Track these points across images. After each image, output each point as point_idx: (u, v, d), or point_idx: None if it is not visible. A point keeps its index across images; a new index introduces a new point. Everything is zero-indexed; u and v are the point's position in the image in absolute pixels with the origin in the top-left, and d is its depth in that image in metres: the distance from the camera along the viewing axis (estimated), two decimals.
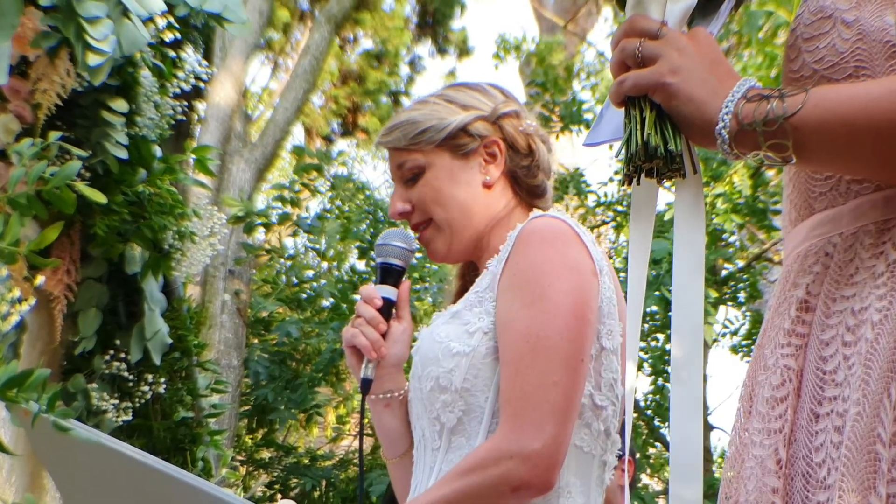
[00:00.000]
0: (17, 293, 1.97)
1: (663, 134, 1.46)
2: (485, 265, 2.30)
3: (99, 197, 2.27)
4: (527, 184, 2.40)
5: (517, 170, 2.38)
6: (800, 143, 1.35)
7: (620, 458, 4.24)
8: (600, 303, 2.21)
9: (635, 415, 12.69)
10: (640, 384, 13.72)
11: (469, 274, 2.47)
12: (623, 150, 1.49)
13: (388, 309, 2.40)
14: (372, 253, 10.60)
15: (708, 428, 13.42)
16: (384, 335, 2.38)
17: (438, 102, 2.40)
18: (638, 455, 8.22)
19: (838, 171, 1.42)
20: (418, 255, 2.63)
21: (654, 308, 10.03)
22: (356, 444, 13.02)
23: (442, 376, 2.21)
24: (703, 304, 1.50)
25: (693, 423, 1.47)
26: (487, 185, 2.36)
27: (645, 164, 1.47)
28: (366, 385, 2.37)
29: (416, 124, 2.37)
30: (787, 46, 1.49)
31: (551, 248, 2.20)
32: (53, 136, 2.30)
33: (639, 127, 1.47)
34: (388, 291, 2.41)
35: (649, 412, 12.24)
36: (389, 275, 2.42)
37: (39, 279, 2.31)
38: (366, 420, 2.43)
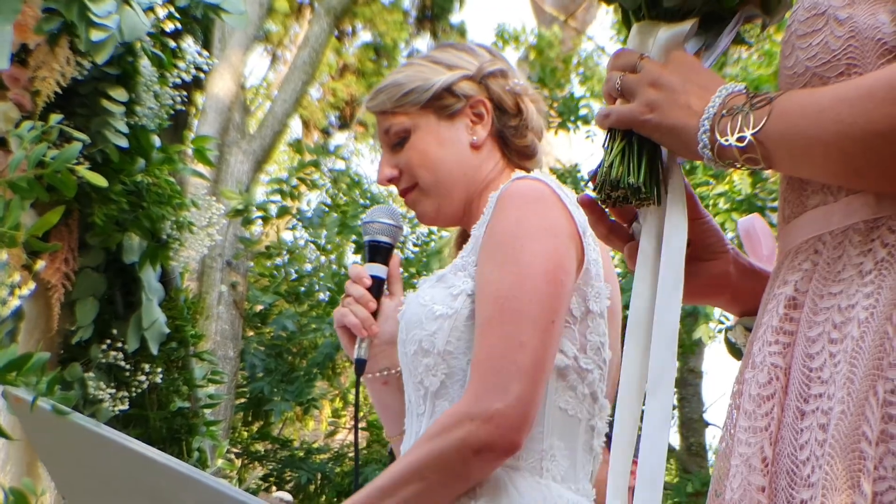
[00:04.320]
0: (16, 278, 1.97)
1: (629, 165, 1.52)
2: (471, 229, 2.27)
3: (100, 180, 2.27)
4: (515, 144, 2.37)
5: (505, 130, 2.36)
6: (766, 156, 1.40)
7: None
8: (587, 265, 2.19)
9: None
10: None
11: (463, 241, 2.42)
12: (596, 178, 1.56)
13: (378, 287, 2.39)
14: None
15: (703, 424, 13.45)
16: (375, 313, 2.37)
17: (423, 63, 2.37)
18: None
19: (808, 178, 1.44)
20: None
21: None
22: (352, 437, 13.02)
23: (425, 339, 2.18)
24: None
25: (662, 434, 1.51)
26: (475, 146, 2.33)
27: (613, 192, 1.54)
28: (360, 365, 2.36)
29: (399, 86, 2.34)
30: (782, 43, 1.51)
31: (528, 210, 2.17)
32: (54, 118, 2.30)
33: (607, 157, 1.54)
34: (378, 269, 2.39)
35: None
36: (378, 252, 2.41)
37: (40, 264, 2.30)
38: (362, 401, 2.42)
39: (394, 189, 2.44)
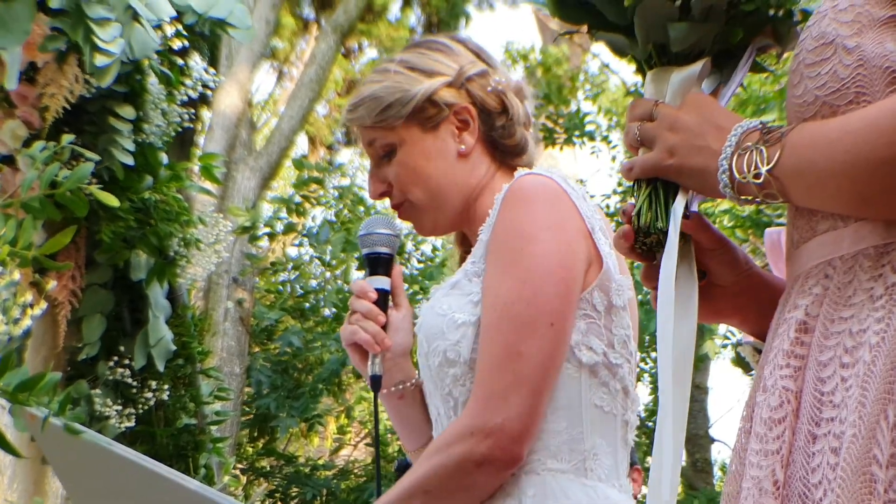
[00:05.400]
0: (28, 297, 1.98)
1: (656, 211, 1.55)
2: (477, 233, 2.22)
3: (111, 200, 2.28)
4: (505, 145, 2.30)
5: (493, 132, 2.28)
6: (782, 191, 1.43)
7: (632, 467, 4.22)
8: (604, 258, 2.14)
9: (637, 428, 12.69)
10: (640, 396, 13.78)
11: (466, 241, 2.37)
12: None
13: (384, 299, 2.33)
14: None
15: (709, 440, 13.44)
16: (384, 327, 2.31)
17: (400, 71, 2.28)
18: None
19: (824, 209, 1.46)
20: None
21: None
22: (356, 454, 13.01)
23: (449, 349, 2.13)
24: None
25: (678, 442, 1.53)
26: (463, 155, 2.27)
27: (646, 238, 1.57)
28: (376, 382, 2.31)
29: (378, 100, 2.26)
30: (790, 72, 1.53)
31: (532, 208, 2.13)
32: (66, 139, 2.31)
33: (635, 206, 1.57)
34: (381, 282, 2.33)
35: (650, 424, 12.24)
36: (379, 264, 2.35)
37: (51, 283, 2.31)
38: (367, 417, 2.40)
39: None
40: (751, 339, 1.74)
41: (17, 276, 1.98)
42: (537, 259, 2.09)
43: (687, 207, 1.57)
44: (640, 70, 1.65)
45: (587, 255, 2.13)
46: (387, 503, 2.12)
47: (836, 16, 1.45)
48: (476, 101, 2.27)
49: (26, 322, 1.96)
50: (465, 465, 2.06)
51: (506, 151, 2.31)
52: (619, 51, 1.66)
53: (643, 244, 1.58)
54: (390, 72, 2.29)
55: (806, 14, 1.60)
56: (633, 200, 1.60)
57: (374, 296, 2.32)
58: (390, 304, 2.36)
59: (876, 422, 1.30)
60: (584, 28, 1.67)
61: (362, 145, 2.34)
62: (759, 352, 1.62)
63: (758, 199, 1.46)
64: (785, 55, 1.66)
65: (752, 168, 1.43)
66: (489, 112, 2.28)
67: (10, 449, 2.06)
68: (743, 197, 1.47)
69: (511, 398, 2.05)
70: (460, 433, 2.07)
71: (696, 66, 1.58)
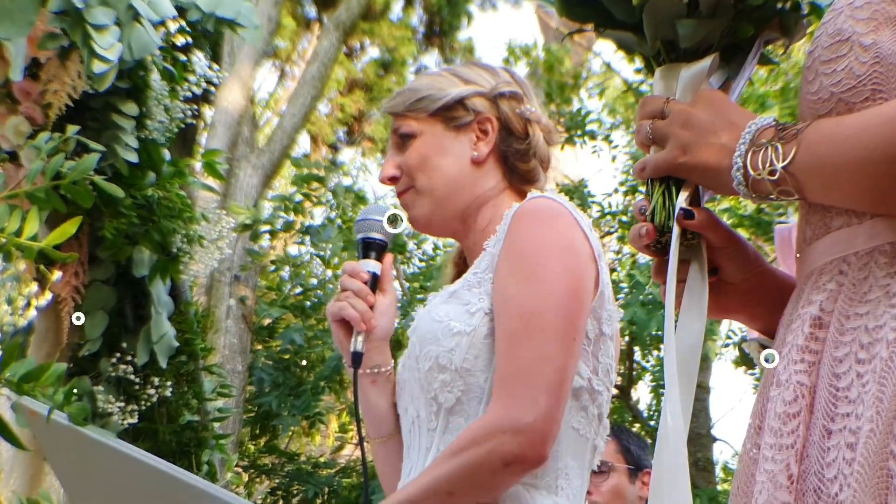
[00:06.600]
0: (33, 288, 1.98)
1: (669, 210, 1.56)
2: (481, 246, 2.31)
3: (116, 191, 2.28)
4: (518, 168, 2.39)
5: (509, 151, 2.38)
6: (798, 187, 1.43)
7: (644, 470, 4.27)
8: (602, 287, 2.23)
9: (637, 425, 12.70)
10: (642, 395, 13.76)
11: (463, 261, 2.45)
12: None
13: (373, 283, 2.39)
14: None
15: (710, 440, 13.43)
16: (370, 308, 2.37)
17: (444, 74, 2.43)
18: None
19: (839, 205, 1.46)
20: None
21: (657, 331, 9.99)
22: (358, 452, 12.98)
23: (442, 356, 2.21)
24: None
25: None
26: (476, 162, 2.36)
27: (661, 237, 1.58)
28: (357, 358, 2.36)
29: (415, 92, 2.40)
30: (804, 68, 1.52)
31: (549, 228, 2.22)
32: (71, 129, 2.31)
33: (649, 204, 1.58)
34: (372, 265, 2.40)
35: (652, 423, 12.25)
36: (371, 249, 2.42)
37: (56, 274, 2.31)
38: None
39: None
40: (756, 334, 1.73)
41: (22, 266, 1.98)
42: (560, 275, 2.17)
43: (698, 204, 1.57)
44: (648, 67, 1.65)
45: (594, 280, 2.22)
46: (404, 500, 2.14)
47: (852, 13, 1.45)
48: (502, 117, 2.38)
49: (31, 313, 1.96)
50: (494, 463, 2.10)
51: (516, 173, 2.39)
52: (626, 48, 1.66)
53: (658, 242, 1.59)
54: (436, 74, 2.45)
55: (814, 6, 1.59)
56: (641, 198, 1.61)
57: (366, 276, 2.39)
58: (378, 290, 2.41)
59: (893, 417, 1.30)
60: (591, 26, 1.66)
61: (390, 133, 2.45)
62: (765, 348, 1.62)
63: (772, 196, 1.45)
64: (791, 47, 1.65)
65: (768, 164, 1.43)
66: (511, 132, 2.38)
67: (15, 441, 2.05)
68: (756, 194, 1.46)
69: (540, 400, 2.10)
70: (489, 431, 2.11)
71: (706, 62, 1.58)
